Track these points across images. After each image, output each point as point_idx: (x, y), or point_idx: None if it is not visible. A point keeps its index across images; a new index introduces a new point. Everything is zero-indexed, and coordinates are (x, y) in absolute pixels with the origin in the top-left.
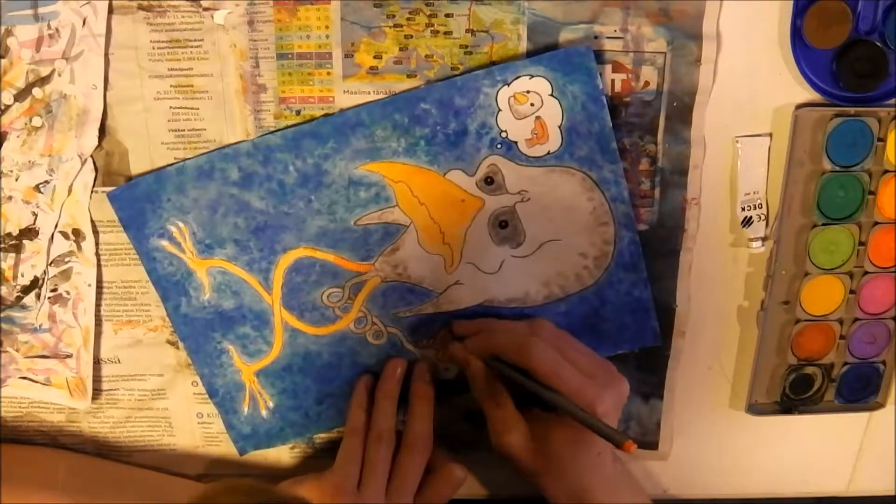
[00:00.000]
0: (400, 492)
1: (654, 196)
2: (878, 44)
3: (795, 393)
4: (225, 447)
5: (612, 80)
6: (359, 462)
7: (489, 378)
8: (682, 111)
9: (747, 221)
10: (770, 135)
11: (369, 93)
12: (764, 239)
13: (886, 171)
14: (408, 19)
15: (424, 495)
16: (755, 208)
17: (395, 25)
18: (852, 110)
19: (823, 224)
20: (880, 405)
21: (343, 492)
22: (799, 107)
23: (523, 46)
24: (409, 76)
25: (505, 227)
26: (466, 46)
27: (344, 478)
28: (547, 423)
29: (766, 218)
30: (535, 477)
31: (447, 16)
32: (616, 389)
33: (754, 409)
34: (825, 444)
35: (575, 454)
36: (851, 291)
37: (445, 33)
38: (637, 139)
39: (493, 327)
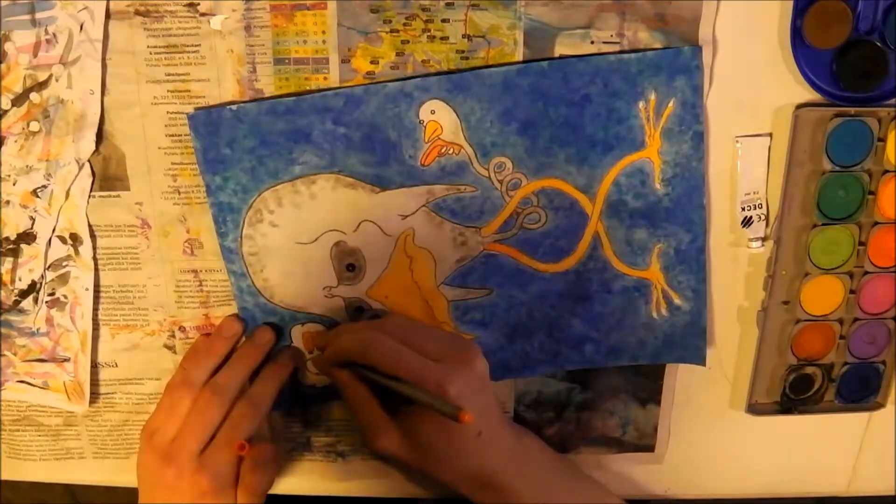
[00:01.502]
0: (217, 446)
1: None
2: (878, 44)
3: (795, 393)
4: None
5: None
6: (181, 414)
7: (351, 384)
8: None
9: (747, 221)
10: (770, 135)
11: None
12: (764, 239)
13: (886, 171)
14: (404, 24)
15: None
16: (755, 208)
17: (392, 31)
18: (852, 110)
19: (823, 224)
20: (880, 405)
21: (150, 439)
22: (799, 107)
23: (520, 52)
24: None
25: None
26: (463, 52)
27: (157, 426)
28: (413, 416)
29: (767, 218)
30: (424, 471)
31: (444, 21)
32: (469, 368)
33: (754, 409)
34: (825, 444)
35: (447, 439)
36: (851, 291)
37: (442, 38)
38: None
39: (338, 331)
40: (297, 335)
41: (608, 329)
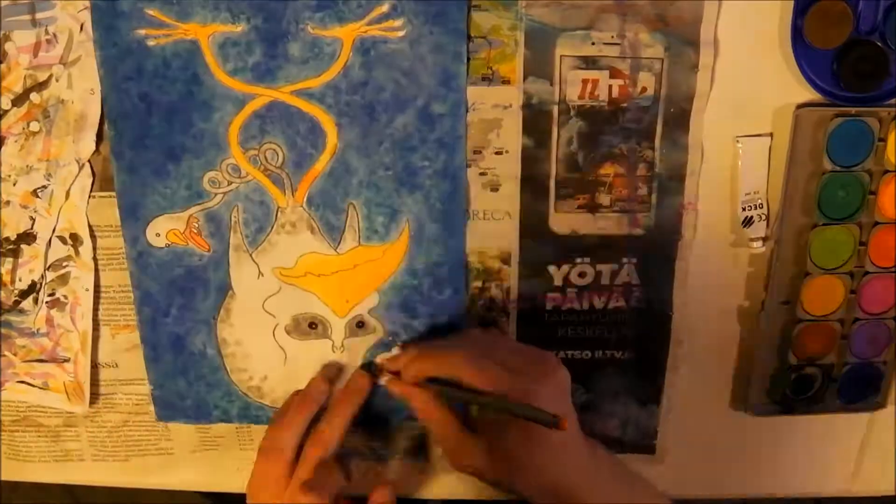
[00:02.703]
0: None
1: (651, 202)
2: (879, 44)
3: (796, 393)
4: (222, 451)
5: (610, 86)
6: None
7: (431, 404)
8: (679, 117)
9: (748, 221)
10: (771, 135)
11: None
12: (764, 239)
13: (887, 171)
14: None
15: None
16: (756, 208)
17: None
18: (853, 110)
19: (824, 224)
20: (881, 405)
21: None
22: (799, 107)
23: (521, 52)
24: None
25: None
26: None
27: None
28: (498, 430)
29: (767, 218)
30: (506, 485)
31: None
32: (553, 380)
33: (754, 409)
34: (825, 444)
35: (531, 451)
36: (852, 291)
37: None
38: (634, 145)
39: (416, 352)
40: None
41: None
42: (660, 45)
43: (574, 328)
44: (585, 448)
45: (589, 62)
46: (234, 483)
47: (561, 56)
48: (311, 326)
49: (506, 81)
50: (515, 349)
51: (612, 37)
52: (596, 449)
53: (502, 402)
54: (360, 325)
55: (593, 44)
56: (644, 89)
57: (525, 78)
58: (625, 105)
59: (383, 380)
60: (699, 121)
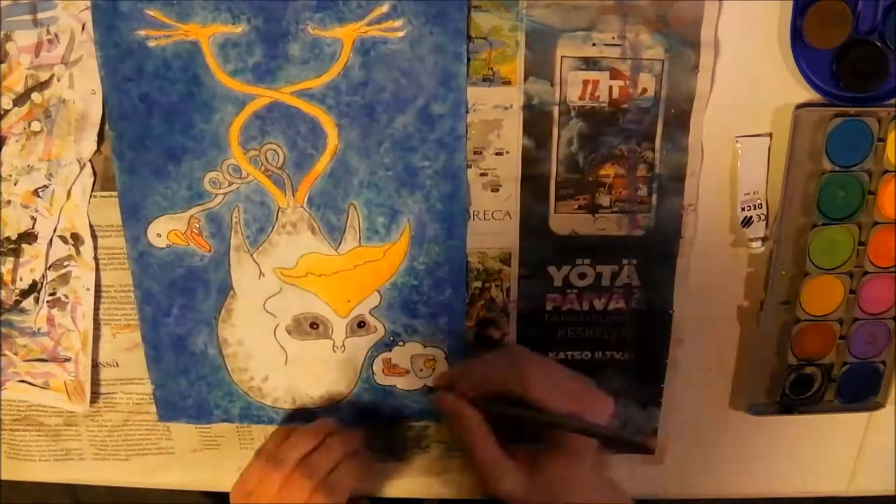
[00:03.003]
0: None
1: (652, 202)
2: (878, 44)
3: (795, 393)
4: (223, 450)
5: (610, 87)
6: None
7: (477, 424)
8: (679, 118)
9: (747, 221)
10: (770, 135)
11: None
12: (764, 239)
13: (886, 171)
14: None
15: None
16: (755, 208)
17: None
18: (852, 110)
19: (823, 224)
20: (880, 405)
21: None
22: (799, 107)
23: (521, 53)
24: None
25: None
26: None
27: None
28: (536, 455)
29: (766, 218)
30: None
31: None
32: (603, 408)
33: (754, 409)
34: (825, 444)
35: (573, 476)
36: (851, 291)
37: None
38: (635, 146)
39: (476, 366)
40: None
41: None
42: (660, 46)
43: (574, 329)
44: (604, 471)
45: (589, 63)
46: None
47: (562, 57)
48: (313, 326)
49: (506, 82)
50: (568, 374)
51: (613, 38)
52: (606, 470)
53: (577, 423)
54: (361, 324)
55: (594, 45)
56: (644, 90)
57: (526, 78)
58: (625, 106)
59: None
60: (699, 122)
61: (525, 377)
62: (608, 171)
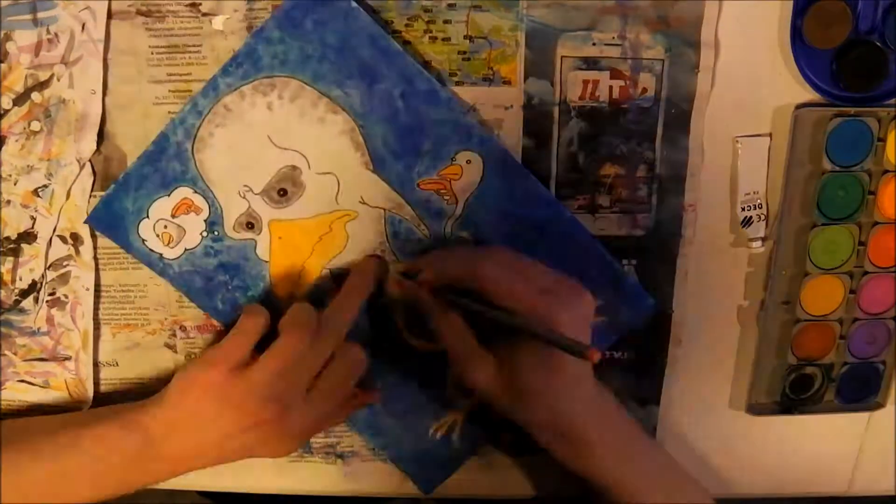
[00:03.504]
0: (292, 373)
1: (652, 203)
2: (878, 44)
3: (795, 393)
4: None
5: (610, 87)
6: (254, 337)
7: (447, 313)
8: (679, 118)
9: (747, 221)
10: (770, 135)
11: None
12: (764, 239)
13: (886, 171)
14: (406, 25)
15: (323, 378)
16: (755, 208)
17: (394, 31)
18: (852, 110)
19: (823, 224)
20: (880, 405)
21: (224, 364)
22: (799, 107)
23: (521, 53)
24: None
25: None
26: (465, 53)
27: (231, 350)
28: (513, 351)
29: (766, 218)
30: (512, 411)
31: (445, 22)
32: (577, 304)
33: (754, 409)
34: (825, 444)
35: (547, 378)
36: (851, 291)
37: (444, 39)
38: (635, 146)
39: (437, 256)
40: (178, 194)
41: None
42: (660, 46)
43: None
44: (596, 387)
45: (590, 63)
46: (234, 483)
47: (562, 57)
48: None
49: (506, 82)
50: (543, 270)
51: (613, 38)
52: (603, 391)
53: (525, 321)
54: None
55: (594, 44)
56: (645, 90)
57: (526, 78)
58: (625, 106)
59: (392, 273)
60: (699, 122)
61: (479, 272)
62: (608, 171)
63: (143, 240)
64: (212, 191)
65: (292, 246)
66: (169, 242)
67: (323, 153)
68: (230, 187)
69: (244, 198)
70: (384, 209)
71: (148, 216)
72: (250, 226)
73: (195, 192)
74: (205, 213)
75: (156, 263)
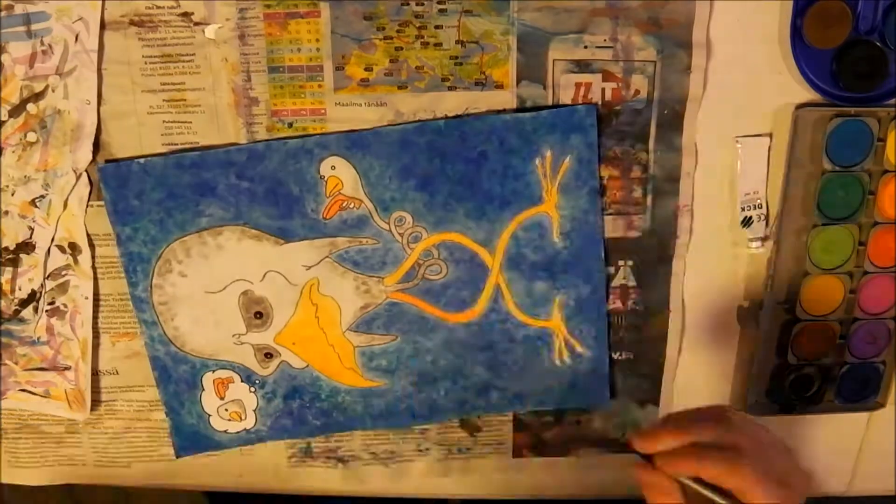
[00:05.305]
0: None
1: (646, 204)
2: (878, 44)
3: (795, 393)
4: (223, 455)
5: (603, 89)
6: None
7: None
8: (673, 119)
9: (747, 221)
10: (770, 135)
11: (361, 104)
12: (764, 239)
13: (886, 171)
14: (398, 31)
15: None
16: (755, 208)
17: (386, 38)
18: (852, 110)
19: (823, 224)
20: (880, 405)
21: None
22: (799, 107)
23: (513, 57)
24: (399, 87)
25: None
26: (456, 57)
27: None
28: None
29: (766, 218)
30: None
31: (437, 27)
32: (805, 494)
33: (754, 409)
34: (825, 444)
35: None
36: (851, 291)
37: (435, 45)
38: (628, 147)
39: (690, 449)
40: (209, 382)
41: (512, 377)
42: (652, 47)
43: None
44: None
45: (582, 65)
46: (234, 484)
47: (554, 60)
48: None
49: (499, 86)
50: (781, 449)
51: (605, 40)
52: None
53: None
54: None
55: (586, 47)
56: (637, 92)
57: (518, 82)
58: (618, 108)
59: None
60: (693, 122)
61: (740, 475)
62: (602, 172)
63: (225, 430)
64: (223, 360)
65: (308, 340)
66: (240, 418)
67: (245, 265)
68: (226, 347)
69: (244, 344)
70: (326, 257)
71: (207, 412)
72: (269, 355)
73: (213, 371)
74: (236, 377)
75: (252, 439)
